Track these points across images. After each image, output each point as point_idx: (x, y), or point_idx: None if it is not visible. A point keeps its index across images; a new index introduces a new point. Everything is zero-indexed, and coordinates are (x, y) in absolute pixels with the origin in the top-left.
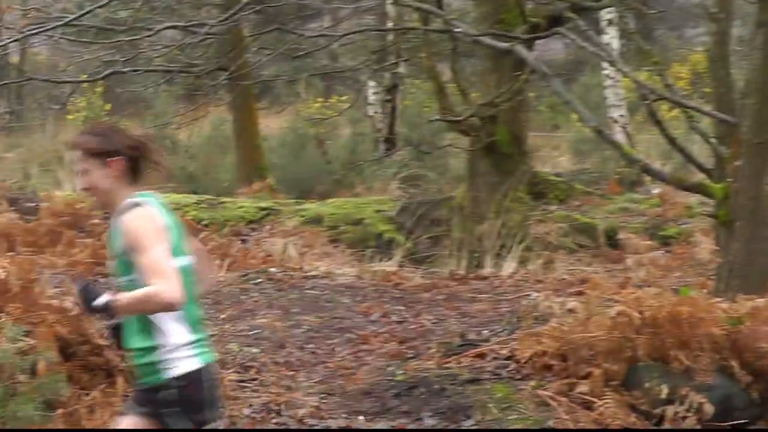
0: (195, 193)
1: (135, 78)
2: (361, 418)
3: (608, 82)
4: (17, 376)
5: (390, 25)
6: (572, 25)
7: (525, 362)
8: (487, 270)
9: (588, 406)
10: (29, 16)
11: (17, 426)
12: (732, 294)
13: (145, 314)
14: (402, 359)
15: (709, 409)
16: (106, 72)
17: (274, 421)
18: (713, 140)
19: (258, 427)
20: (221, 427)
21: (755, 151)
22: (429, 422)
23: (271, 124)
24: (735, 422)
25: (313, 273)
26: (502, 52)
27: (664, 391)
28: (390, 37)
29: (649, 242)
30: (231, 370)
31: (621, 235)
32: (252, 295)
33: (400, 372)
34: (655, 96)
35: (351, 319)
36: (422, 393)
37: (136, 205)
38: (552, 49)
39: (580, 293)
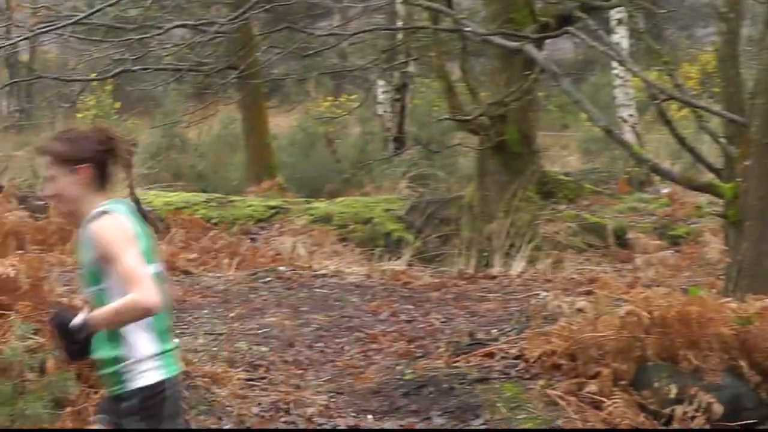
0: (204, 191)
1: (144, 76)
2: (369, 417)
3: (618, 82)
4: (26, 374)
5: (400, 24)
6: (582, 25)
7: (534, 361)
8: (496, 269)
9: (597, 406)
10: (39, 14)
11: (26, 424)
12: (741, 294)
13: (124, 325)
14: (411, 358)
15: (718, 409)
16: (116, 70)
17: (282, 419)
18: (723, 140)
19: (267, 425)
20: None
21: (764, 151)
22: (438, 421)
23: (281, 123)
24: (744, 422)
25: (323, 272)
26: (512, 51)
27: (673, 390)
28: (400, 36)
29: (658, 242)
30: (240, 369)
31: (630, 235)
32: (261, 293)
33: (409, 371)
34: (664, 95)
35: (360, 317)
36: (431, 392)
37: (104, 213)
38: (561, 48)
39: (589, 293)
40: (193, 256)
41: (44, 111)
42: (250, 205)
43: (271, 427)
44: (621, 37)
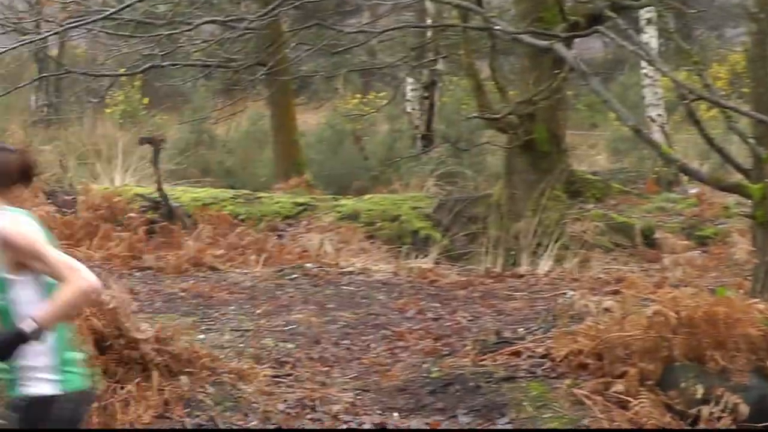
0: (232, 187)
1: (173, 72)
2: (395, 414)
3: (646, 81)
4: None
5: (429, 21)
6: (611, 24)
7: (560, 361)
8: (523, 268)
9: (623, 406)
10: (69, 9)
11: None
12: None
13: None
14: (437, 356)
15: (744, 409)
16: (145, 66)
17: (308, 416)
18: (751, 140)
19: (293, 422)
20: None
21: None
22: (463, 420)
23: (309, 120)
24: None
25: (349, 269)
26: (541, 50)
27: (700, 391)
28: (429, 33)
29: (685, 242)
30: (266, 366)
31: (658, 235)
32: (288, 290)
33: (436, 369)
34: (693, 95)
35: (386, 315)
36: (457, 390)
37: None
38: (591, 47)
39: (616, 292)
40: (220, 252)
41: (73, 106)
42: (277, 202)
43: (297, 423)
44: (650, 37)
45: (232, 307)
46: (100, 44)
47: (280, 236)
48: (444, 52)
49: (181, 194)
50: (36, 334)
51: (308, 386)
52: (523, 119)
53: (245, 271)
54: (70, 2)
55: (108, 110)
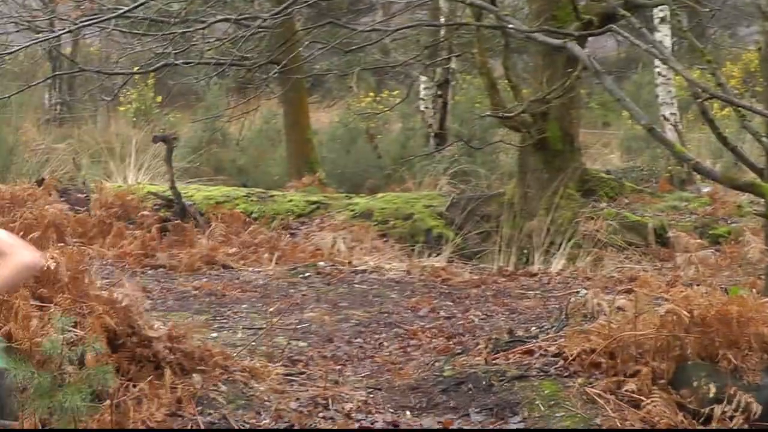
0: (245, 186)
1: (187, 70)
2: (408, 413)
3: (660, 80)
4: (65, 367)
5: (442, 20)
6: (625, 23)
7: (573, 359)
8: (535, 267)
9: (636, 405)
10: (82, 7)
11: (64, 417)
12: None
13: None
14: (450, 355)
15: (756, 408)
16: (158, 64)
17: (321, 415)
18: (765, 139)
19: (305, 421)
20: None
21: None
22: (476, 418)
23: (322, 118)
24: None
25: (362, 267)
26: (555, 48)
27: (712, 390)
28: (442, 32)
29: (698, 241)
30: (278, 364)
31: (670, 234)
32: (300, 288)
33: (448, 367)
34: (706, 94)
35: (399, 314)
36: (470, 389)
37: None
38: (604, 46)
39: (629, 291)
40: (233, 250)
41: (86, 104)
42: (290, 200)
43: (310, 422)
44: (664, 36)
45: (245, 306)
46: (113, 42)
47: (292, 234)
48: (457, 51)
49: (194, 192)
50: None
51: (321, 384)
52: (536, 118)
53: (258, 269)
54: (84, 0)
55: (121, 108)
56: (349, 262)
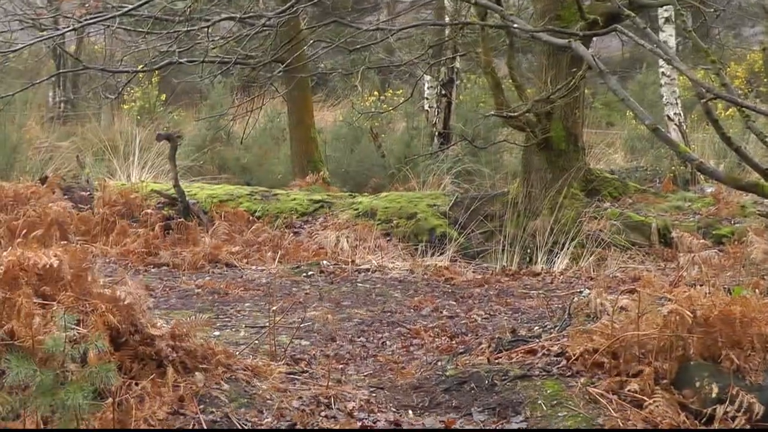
0: (248, 184)
1: (191, 68)
2: (410, 412)
3: (664, 80)
4: (68, 365)
5: (447, 19)
6: (629, 23)
7: (576, 359)
8: (539, 266)
9: (638, 405)
10: (87, 5)
11: (66, 415)
12: None
13: None
14: (453, 354)
15: (758, 409)
16: (163, 62)
17: (323, 413)
18: None
19: (308, 419)
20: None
21: None
22: (478, 418)
23: (326, 117)
24: None
25: (365, 266)
26: (559, 48)
27: (715, 390)
28: (447, 31)
29: (702, 241)
30: (281, 362)
31: (674, 234)
32: (303, 287)
33: (451, 367)
34: (711, 94)
35: (402, 313)
36: (472, 388)
37: None
38: (609, 46)
39: (632, 291)
40: (237, 249)
41: (90, 102)
42: (294, 199)
43: (312, 420)
44: (668, 36)
45: (248, 304)
46: (118, 40)
47: (296, 233)
48: (462, 50)
49: (198, 191)
50: None
51: (323, 383)
52: (540, 117)
53: (261, 267)
54: None
55: (125, 106)
56: (353, 261)
